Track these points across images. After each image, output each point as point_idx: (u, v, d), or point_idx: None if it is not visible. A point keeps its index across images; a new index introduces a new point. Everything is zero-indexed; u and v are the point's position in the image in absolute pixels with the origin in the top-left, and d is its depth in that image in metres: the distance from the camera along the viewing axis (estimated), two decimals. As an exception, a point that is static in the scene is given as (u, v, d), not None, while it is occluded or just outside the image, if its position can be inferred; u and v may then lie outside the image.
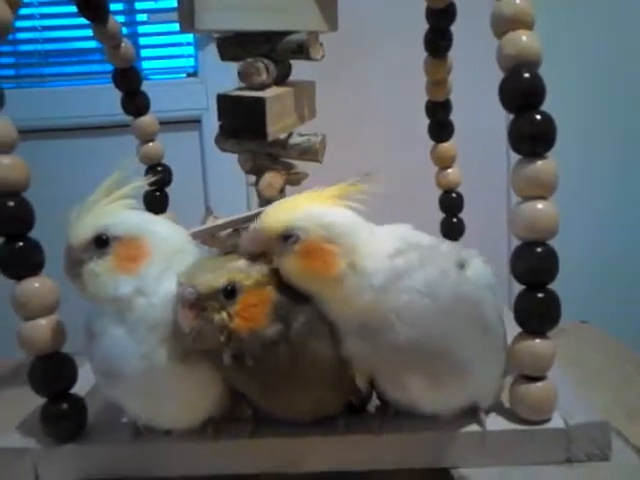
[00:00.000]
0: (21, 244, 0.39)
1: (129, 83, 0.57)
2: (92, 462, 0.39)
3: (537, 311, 0.38)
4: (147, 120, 0.59)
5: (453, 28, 0.56)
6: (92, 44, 1.24)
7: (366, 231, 0.37)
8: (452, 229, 0.64)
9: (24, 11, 1.23)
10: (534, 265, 0.38)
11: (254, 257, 0.36)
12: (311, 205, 0.36)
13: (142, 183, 0.39)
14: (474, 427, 0.38)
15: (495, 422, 0.39)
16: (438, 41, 0.57)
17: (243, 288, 0.34)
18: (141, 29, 1.31)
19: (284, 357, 0.35)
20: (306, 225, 0.35)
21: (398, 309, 0.35)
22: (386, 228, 0.38)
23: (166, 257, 0.37)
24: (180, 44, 1.34)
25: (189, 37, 1.31)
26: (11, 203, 0.39)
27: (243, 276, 0.35)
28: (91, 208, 0.36)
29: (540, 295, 0.38)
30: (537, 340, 0.38)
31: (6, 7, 0.40)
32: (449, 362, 0.36)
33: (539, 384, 0.38)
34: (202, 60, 1.29)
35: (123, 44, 0.56)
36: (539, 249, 0.37)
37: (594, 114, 1.12)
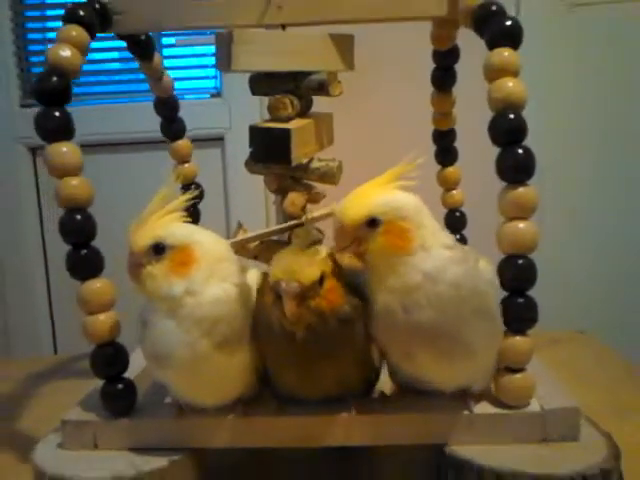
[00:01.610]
0: (85, 251, 0.48)
1: (168, 111, 0.66)
2: (141, 434, 0.48)
3: (518, 314, 0.46)
4: (183, 143, 0.68)
5: (457, 67, 0.65)
6: (117, 65, 1.36)
7: (428, 214, 0.44)
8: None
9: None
10: (516, 275, 0.46)
11: (342, 249, 0.43)
12: (379, 193, 0.43)
13: (188, 197, 0.47)
14: (464, 410, 0.46)
15: (482, 407, 0.47)
16: (443, 78, 0.65)
17: (327, 276, 0.42)
18: (167, 52, 1.41)
19: (337, 332, 0.42)
20: (384, 210, 0.42)
21: (431, 295, 0.42)
22: None
23: (211, 263, 0.45)
24: (205, 66, 1.44)
25: (213, 60, 1.41)
26: (78, 217, 0.47)
27: (326, 266, 0.42)
28: (148, 219, 0.44)
29: (521, 300, 0.46)
30: (518, 338, 0.46)
31: (78, 54, 0.49)
32: (457, 343, 0.43)
33: (519, 375, 0.46)
34: (226, 81, 1.39)
35: (165, 77, 0.65)
36: (520, 261, 0.45)
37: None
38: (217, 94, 1.41)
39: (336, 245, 0.43)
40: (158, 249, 0.44)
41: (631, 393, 0.65)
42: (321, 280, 0.42)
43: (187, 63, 1.41)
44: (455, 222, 0.71)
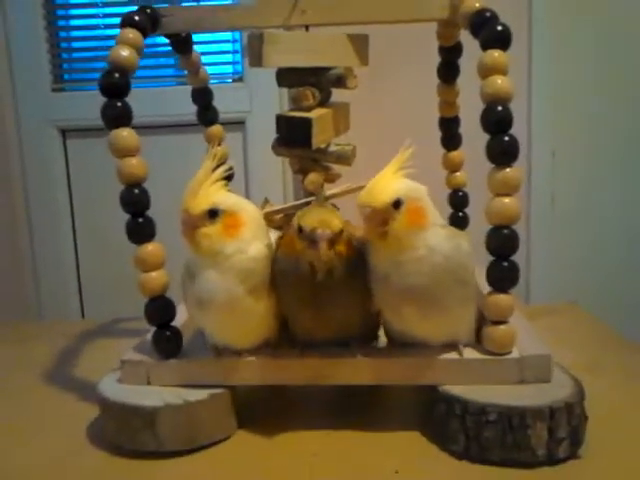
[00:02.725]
0: (141, 220, 0.59)
1: (204, 100, 0.77)
2: (186, 373, 0.59)
3: (502, 275, 0.56)
4: (216, 129, 0.78)
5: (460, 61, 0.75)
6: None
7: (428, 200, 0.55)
8: (459, 222, 0.82)
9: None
10: (501, 243, 0.55)
11: (373, 230, 0.52)
12: (396, 179, 0.53)
13: (227, 168, 0.57)
14: (455, 356, 0.57)
15: (470, 353, 0.57)
16: (448, 71, 0.74)
17: (343, 229, 0.53)
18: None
19: (344, 281, 0.54)
20: (405, 192, 0.52)
21: (429, 265, 0.53)
22: None
23: (254, 227, 0.56)
24: (228, 52, 1.54)
25: (237, 46, 1.51)
26: (136, 191, 0.58)
27: (341, 220, 0.54)
28: (199, 188, 0.53)
29: (505, 264, 0.56)
30: (501, 295, 0.56)
31: (134, 53, 0.60)
32: (438, 305, 0.54)
33: (502, 327, 0.56)
34: (247, 67, 1.48)
35: (201, 69, 0.75)
36: (505, 231, 0.55)
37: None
38: (239, 79, 1.50)
39: (367, 228, 0.53)
40: (213, 213, 0.54)
41: (606, 354, 0.76)
42: (341, 232, 0.53)
43: (211, 49, 1.50)
44: (458, 201, 0.81)
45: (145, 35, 0.61)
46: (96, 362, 0.78)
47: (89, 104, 1.42)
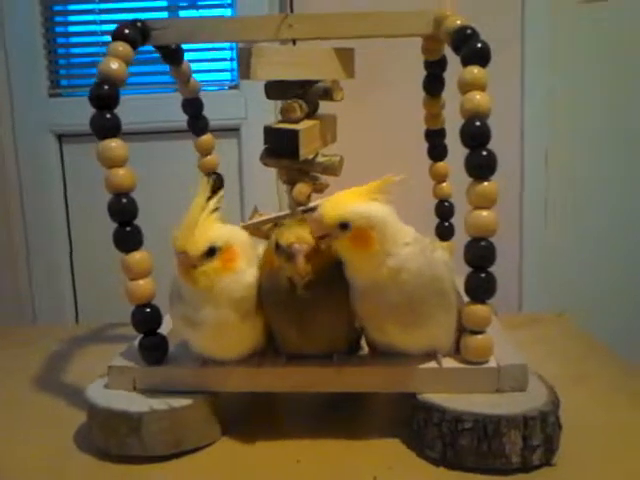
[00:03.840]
0: (129, 228, 0.61)
1: (194, 109, 0.78)
2: (172, 379, 0.61)
3: (480, 286, 0.58)
4: (206, 138, 0.80)
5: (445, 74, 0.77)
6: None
7: (393, 222, 0.56)
8: (444, 232, 0.84)
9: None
10: (479, 254, 0.57)
11: (319, 238, 0.55)
12: (356, 201, 0.54)
13: (220, 196, 0.58)
14: (434, 365, 0.59)
15: (448, 362, 0.59)
16: (433, 84, 0.76)
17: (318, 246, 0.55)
18: (187, 46, 1.53)
19: (325, 297, 0.56)
20: (355, 218, 0.53)
21: (396, 282, 0.55)
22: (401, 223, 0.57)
23: (248, 255, 0.58)
24: (224, 59, 1.56)
25: (232, 53, 1.53)
26: (124, 200, 0.60)
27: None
28: (193, 226, 0.54)
29: (482, 275, 0.57)
30: (479, 306, 0.58)
31: (124, 66, 0.62)
32: (417, 316, 0.56)
33: (479, 336, 0.58)
34: (242, 74, 1.50)
35: (192, 80, 0.77)
36: (483, 243, 0.57)
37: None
38: (234, 86, 1.53)
39: (312, 233, 0.55)
40: (211, 252, 0.55)
41: (591, 365, 0.77)
42: (317, 248, 0.55)
43: (206, 56, 1.52)
44: (444, 211, 0.83)
45: (135, 48, 0.63)
46: (87, 367, 0.80)
47: (85, 110, 1.46)
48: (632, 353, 0.79)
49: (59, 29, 1.55)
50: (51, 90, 1.52)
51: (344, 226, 0.54)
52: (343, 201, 0.55)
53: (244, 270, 0.57)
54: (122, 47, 0.62)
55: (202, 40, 0.69)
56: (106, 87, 0.60)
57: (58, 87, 1.53)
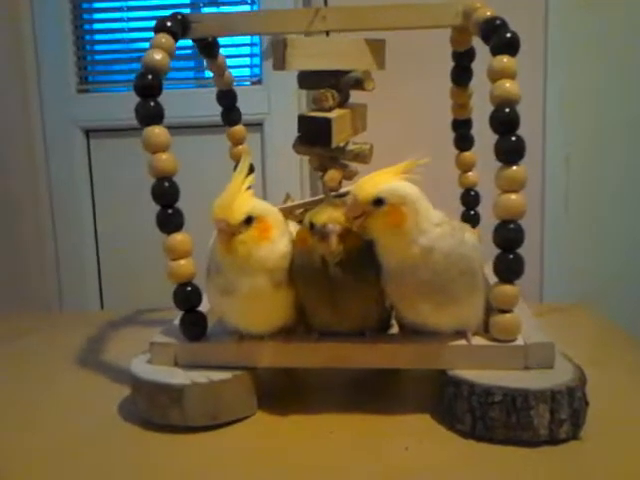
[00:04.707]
0: (171, 211, 0.64)
1: (228, 101, 0.82)
2: (210, 355, 0.64)
3: (508, 267, 0.60)
4: (239, 129, 0.83)
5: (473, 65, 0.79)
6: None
7: (424, 201, 0.59)
8: (470, 220, 0.86)
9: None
10: (507, 236, 0.60)
11: (354, 219, 0.57)
12: (389, 179, 0.57)
13: (253, 177, 0.62)
14: (464, 342, 0.61)
15: (478, 340, 0.62)
16: (460, 75, 0.78)
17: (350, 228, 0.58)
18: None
19: (356, 276, 0.59)
20: (389, 194, 0.56)
21: (427, 262, 0.58)
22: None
23: (280, 227, 0.61)
24: (246, 55, 1.59)
25: (255, 49, 1.57)
26: (166, 184, 0.63)
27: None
28: (234, 196, 0.58)
29: (511, 256, 0.60)
30: (507, 286, 0.60)
31: (167, 56, 0.65)
32: (448, 295, 0.59)
33: (508, 315, 0.61)
34: (265, 70, 1.54)
35: (226, 72, 0.81)
36: (511, 225, 0.59)
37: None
38: (257, 82, 1.56)
39: (347, 214, 0.58)
40: (248, 220, 0.58)
41: (611, 350, 0.80)
42: (349, 230, 0.58)
43: (231, 52, 1.55)
44: (470, 200, 0.85)
45: (176, 40, 0.66)
46: (120, 349, 0.84)
47: (112, 105, 1.51)
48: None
49: (87, 26, 1.59)
50: (79, 86, 1.56)
51: (379, 202, 0.57)
52: (376, 180, 0.58)
53: (278, 240, 0.60)
54: (165, 39, 0.65)
55: (238, 32, 0.72)
56: (150, 77, 0.63)
57: (86, 83, 1.57)
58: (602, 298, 1.05)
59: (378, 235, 0.58)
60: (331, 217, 0.58)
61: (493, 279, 0.62)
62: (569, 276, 1.42)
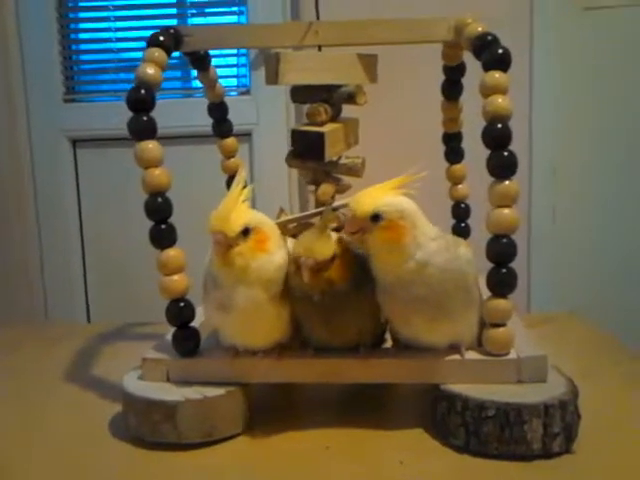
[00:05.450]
0: (164, 226, 0.64)
1: (219, 114, 0.82)
2: (203, 370, 0.64)
3: (501, 281, 0.61)
4: (230, 141, 0.83)
5: (463, 80, 0.80)
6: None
7: (421, 215, 0.59)
8: (461, 233, 0.86)
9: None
10: (500, 251, 0.60)
11: (352, 234, 0.57)
12: (386, 194, 0.57)
13: (250, 188, 0.62)
14: (457, 357, 0.62)
15: (471, 354, 0.62)
16: (451, 89, 0.79)
17: (338, 255, 0.58)
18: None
19: (346, 297, 0.58)
20: (387, 209, 0.56)
21: (423, 276, 0.58)
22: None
23: (277, 238, 0.61)
24: (232, 65, 1.60)
25: (242, 59, 1.57)
26: (159, 199, 0.63)
27: (337, 248, 0.57)
28: (232, 208, 0.58)
29: (504, 271, 0.61)
30: (501, 300, 0.61)
31: (159, 71, 0.65)
32: (442, 310, 0.59)
33: (501, 329, 0.61)
34: (254, 80, 1.54)
35: (217, 85, 0.81)
36: (504, 240, 0.60)
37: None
38: (246, 92, 1.56)
39: (345, 230, 0.58)
40: (246, 232, 0.58)
41: (602, 361, 0.80)
42: (333, 259, 0.57)
43: (219, 62, 1.56)
44: (460, 212, 0.86)
45: (169, 54, 0.67)
46: (110, 364, 0.83)
47: (99, 115, 1.50)
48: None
49: (73, 36, 1.58)
50: (66, 96, 1.55)
51: (376, 218, 0.57)
52: (373, 195, 0.58)
53: (275, 252, 0.61)
54: (158, 53, 0.65)
55: (230, 46, 0.73)
56: (143, 91, 0.63)
57: (73, 92, 1.57)
58: (589, 309, 1.06)
59: (376, 250, 0.59)
60: (307, 249, 0.57)
61: (486, 293, 0.63)
62: (556, 287, 1.43)
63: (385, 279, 0.60)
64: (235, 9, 1.56)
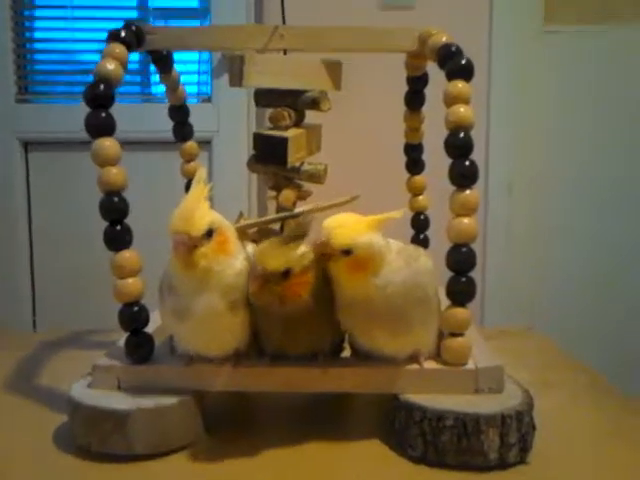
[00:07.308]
0: (119, 227, 0.62)
1: (180, 116, 0.81)
2: (158, 378, 0.62)
3: (460, 290, 0.61)
4: (191, 145, 0.82)
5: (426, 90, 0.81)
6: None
7: (385, 247, 0.59)
8: (420, 244, 0.87)
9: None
10: (460, 260, 0.61)
11: (319, 256, 0.57)
12: (361, 231, 0.57)
13: (209, 188, 0.60)
14: (416, 367, 0.61)
15: (429, 364, 0.62)
16: (414, 99, 0.80)
17: (294, 272, 0.56)
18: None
19: (305, 306, 0.57)
20: (359, 247, 0.56)
21: (383, 296, 0.58)
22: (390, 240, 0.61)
23: (236, 242, 0.60)
24: (195, 72, 1.58)
25: (203, 67, 1.56)
26: (115, 199, 0.61)
27: (295, 263, 0.56)
28: (194, 209, 0.56)
29: (463, 279, 0.61)
30: (459, 309, 0.61)
31: (120, 67, 0.63)
32: (403, 323, 0.59)
33: (459, 339, 0.61)
34: (216, 87, 1.53)
35: (180, 87, 0.80)
36: (464, 249, 0.60)
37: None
38: (207, 99, 1.55)
39: (314, 249, 0.57)
40: (209, 233, 0.57)
41: (558, 373, 0.82)
42: (287, 273, 0.55)
43: (180, 69, 1.54)
44: (420, 223, 0.87)
45: (130, 50, 0.65)
46: (56, 373, 0.80)
47: (53, 117, 1.46)
48: (597, 364, 0.84)
49: (28, 34, 1.54)
50: (18, 96, 1.51)
51: (347, 252, 0.57)
52: (350, 229, 0.57)
53: (236, 255, 0.59)
54: (118, 49, 0.64)
55: (194, 46, 0.72)
56: (102, 87, 0.61)
57: (26, 93, 1.52)
58: (544, 323, 1.08)
59: (339, 275, 0.58)
60: (260, 260, 0.55)
61: (445, 303, 0.63)
62: (510, 300, 1.46)
63: (345, 297, 0.59)
64: (197, 21, 1.56)
